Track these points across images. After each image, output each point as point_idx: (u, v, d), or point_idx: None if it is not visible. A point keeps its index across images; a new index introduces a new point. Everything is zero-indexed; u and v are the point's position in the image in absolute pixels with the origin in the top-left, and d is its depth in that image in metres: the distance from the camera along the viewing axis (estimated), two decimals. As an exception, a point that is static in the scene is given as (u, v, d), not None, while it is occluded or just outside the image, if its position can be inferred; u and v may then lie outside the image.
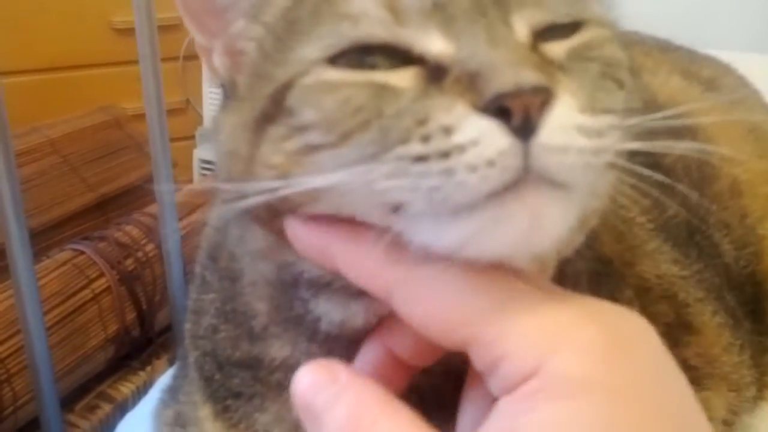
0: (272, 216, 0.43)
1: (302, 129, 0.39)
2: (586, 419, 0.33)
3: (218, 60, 0.47)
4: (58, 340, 1.37)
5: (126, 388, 1.51)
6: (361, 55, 0.38)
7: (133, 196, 1.87)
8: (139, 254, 1.56)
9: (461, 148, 0.34)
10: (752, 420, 0.69)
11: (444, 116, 0.35)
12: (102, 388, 1.51)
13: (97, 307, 1.47)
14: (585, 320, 0.36)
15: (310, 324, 0.46)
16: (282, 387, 0.51)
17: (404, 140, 0.36)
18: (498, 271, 0.37)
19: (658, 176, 0.41)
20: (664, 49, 0.96)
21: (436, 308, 0.37)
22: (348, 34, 0.38)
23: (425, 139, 0.35)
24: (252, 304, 0.51)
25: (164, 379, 0.80)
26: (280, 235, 0.43)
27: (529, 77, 0.34)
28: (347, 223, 0.39)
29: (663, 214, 0.69)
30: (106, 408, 1.47)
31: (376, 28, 0.38)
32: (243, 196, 0.40)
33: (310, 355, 0.46)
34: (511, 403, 0.34)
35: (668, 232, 0.69)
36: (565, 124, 0.35)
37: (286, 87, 0.40)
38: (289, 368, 0.48)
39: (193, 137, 2.33)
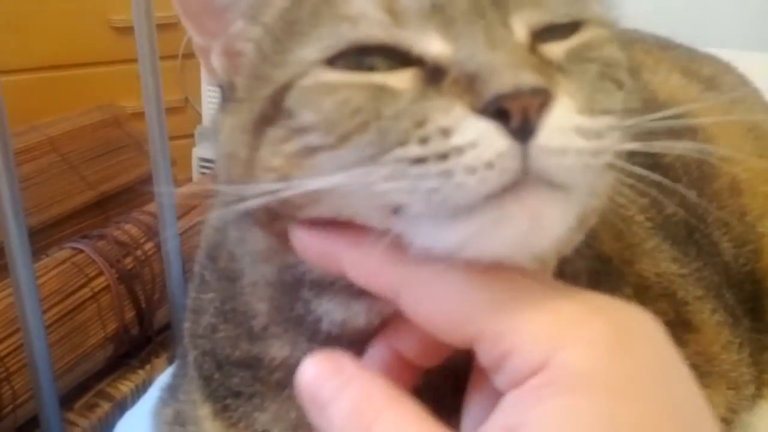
0: (272, 218, 0.43)
1: (301, 131, 0.39)
2: (594, 412, 0.33)
3: (216, 61, 0.46)
4: (58, 339, 1.37)
5: (125, 387, 1.52)
6: (360, 56, 0.38)
7: (133, 195, 1.87)
8: (138, 253, 1.56)
9: (460, 150, 0.34)
10: (751, 418, 0.69)
11: (442, 118, 0.35)
12: (101, 387, 1.51)
13: (96, 306, 1.47)
14: (591, 315, 0.36)
15: (311, 324, 0.46)
16: (282, 386, 0.51)
17: (403, 142, 0.35)
18: (502, 267, 0.37)
19: (656, 177, 0.41)
20: (664, 47, 0.96)
21: (443, 305, 0.37)
22: (347, 35, 0.38)
23: (424, 140, 0.35)
24: (252, 304, 0.51)
25: (163, 377, 0.79)
26: (281, 237, 0.43)
27: (528, 79, 0.34)
28: (350, 226, 0.39)
29: (662, 213, 0.69)
30: (106, 406, 1.47)
31: (374, 29, 0.38)
32: (243, 198, 0.40)
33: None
34: (518, 397, 0.34)
35: (667, 231, 0.69)
36: (563, 125, 0.35)
37: (285, 88, 0.40)
38: (289, 368, 0.48)
39: (192, 135, 2.33)
